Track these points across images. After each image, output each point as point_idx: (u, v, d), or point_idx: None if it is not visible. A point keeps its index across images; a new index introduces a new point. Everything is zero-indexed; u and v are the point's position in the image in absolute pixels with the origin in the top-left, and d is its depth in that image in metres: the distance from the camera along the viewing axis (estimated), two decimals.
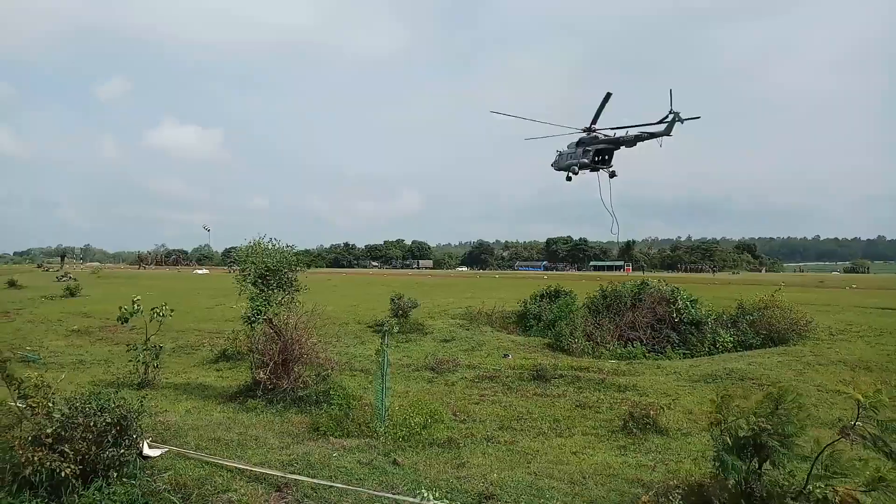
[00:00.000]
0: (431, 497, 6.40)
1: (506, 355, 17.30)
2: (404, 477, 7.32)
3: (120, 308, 12.77)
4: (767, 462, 6.69)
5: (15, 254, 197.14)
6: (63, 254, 71.91)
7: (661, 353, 17.19)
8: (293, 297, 12.10)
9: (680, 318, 18.50)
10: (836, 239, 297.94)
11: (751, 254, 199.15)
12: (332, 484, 6.91)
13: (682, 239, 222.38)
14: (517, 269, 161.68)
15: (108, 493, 6.56)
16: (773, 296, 19.10)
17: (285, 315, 11.62)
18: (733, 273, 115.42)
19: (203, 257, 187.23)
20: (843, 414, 11.02)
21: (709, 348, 17.33)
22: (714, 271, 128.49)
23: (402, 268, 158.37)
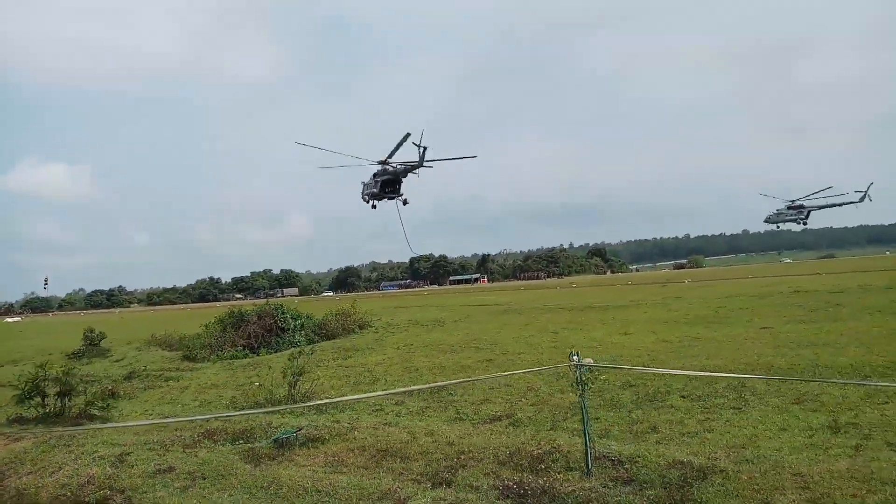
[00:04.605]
0: None
1: (144, 368, 23.75)
2: None
3: None
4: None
5: None
6: None
7: (256, 353, 24.48)
8: None
9: (283, 327, 26.08)
10: (705, 236, 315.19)
11: (601, 258, 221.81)
12: None
13: (566, 246, 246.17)
14: (382, 290, 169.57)
15: None
16: (351, 306, 27.47)
17: None
18: (557, 277, 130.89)
19: (65, 303, 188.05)
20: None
21: (288, 346, 24.90)
22: (546, 277, 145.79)
23: (265, 297, 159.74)
